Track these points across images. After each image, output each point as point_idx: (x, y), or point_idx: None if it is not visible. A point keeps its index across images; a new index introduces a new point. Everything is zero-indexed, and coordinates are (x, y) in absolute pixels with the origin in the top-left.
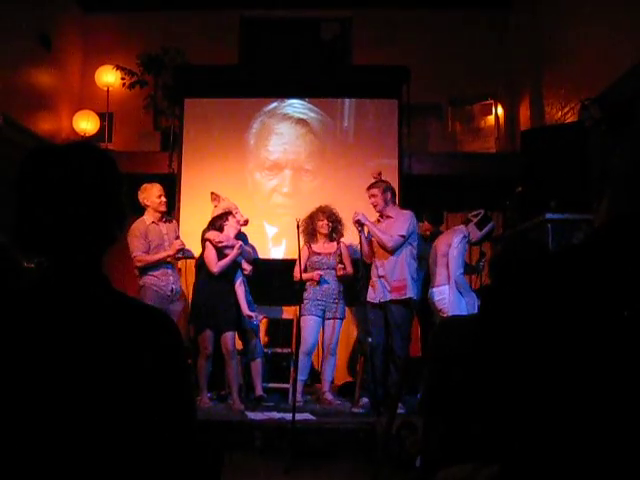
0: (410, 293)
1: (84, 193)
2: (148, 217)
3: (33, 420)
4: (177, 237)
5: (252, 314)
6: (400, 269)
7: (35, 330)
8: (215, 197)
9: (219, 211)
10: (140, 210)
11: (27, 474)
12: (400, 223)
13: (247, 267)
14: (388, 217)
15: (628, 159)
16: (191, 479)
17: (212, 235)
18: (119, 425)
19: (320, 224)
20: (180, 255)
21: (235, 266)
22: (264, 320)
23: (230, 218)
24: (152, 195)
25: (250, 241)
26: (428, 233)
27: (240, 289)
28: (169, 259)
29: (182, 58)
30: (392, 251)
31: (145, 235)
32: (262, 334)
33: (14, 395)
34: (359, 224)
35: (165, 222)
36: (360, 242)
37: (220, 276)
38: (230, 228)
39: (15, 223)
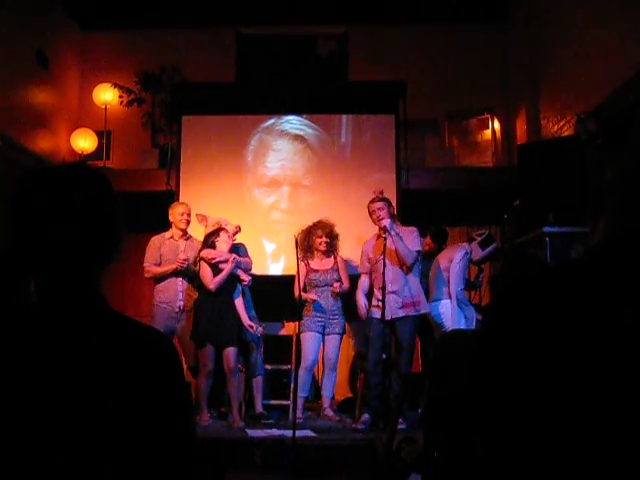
0: (425, 308)
1: (78, 214)
2: (169, 232)
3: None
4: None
5: (253, 324)
6: (413, 285)
7: (27, 351)
8: (201, 218)
9: (210, 229)
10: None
11: None
12: (411, 239)
13: (246, 278)
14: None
15: (624, 176)
16: None
17: (205, 253)
18: (115, 446)
19: (318, 241)
20: (186, 268)
21: (233, 279)
22: (263, 333)
23: (222, 234)
24: (176, 212)
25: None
26: (427, 249)
27: (239, 301)
28: (179, 269)
29: (179, 76)
30: (411, 267)
31: (159, 248)
32: (262, 350)
33: (7, 417)
34: (384, 231)
35: (186, 240)
36: (364, 252)
37: (219, 291)
38: (222, 244)
39: (12, 243)
